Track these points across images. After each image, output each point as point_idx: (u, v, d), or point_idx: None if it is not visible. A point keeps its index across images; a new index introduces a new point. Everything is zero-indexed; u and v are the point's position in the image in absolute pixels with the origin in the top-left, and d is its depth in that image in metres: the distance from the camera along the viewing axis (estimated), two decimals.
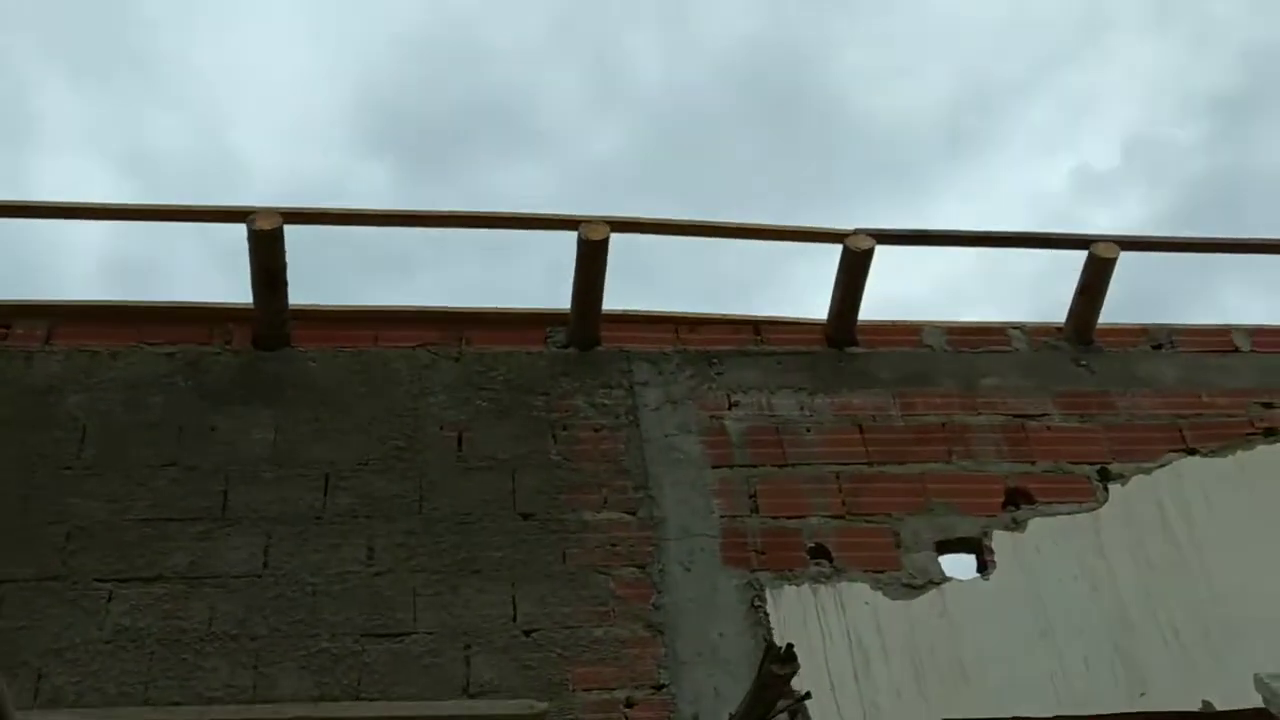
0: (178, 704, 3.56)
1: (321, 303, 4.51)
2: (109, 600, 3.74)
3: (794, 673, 3.07)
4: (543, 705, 3.09)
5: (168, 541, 3.89)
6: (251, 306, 4.37)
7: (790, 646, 2.98)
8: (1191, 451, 4.58)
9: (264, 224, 4.18)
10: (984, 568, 4.22)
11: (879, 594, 4.08)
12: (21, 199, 4.53)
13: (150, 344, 4.37)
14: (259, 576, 3.86)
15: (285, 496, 4.04)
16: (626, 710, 3.73)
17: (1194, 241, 5.03)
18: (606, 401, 4.44)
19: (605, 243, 4.40)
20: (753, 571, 4.08)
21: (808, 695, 3.35)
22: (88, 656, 3.61)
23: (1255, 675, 3.50)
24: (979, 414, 4.59)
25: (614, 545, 4.07)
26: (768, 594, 4.03)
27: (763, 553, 4.13)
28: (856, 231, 4.59)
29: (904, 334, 4.81)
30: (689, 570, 4.05)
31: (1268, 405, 4.77)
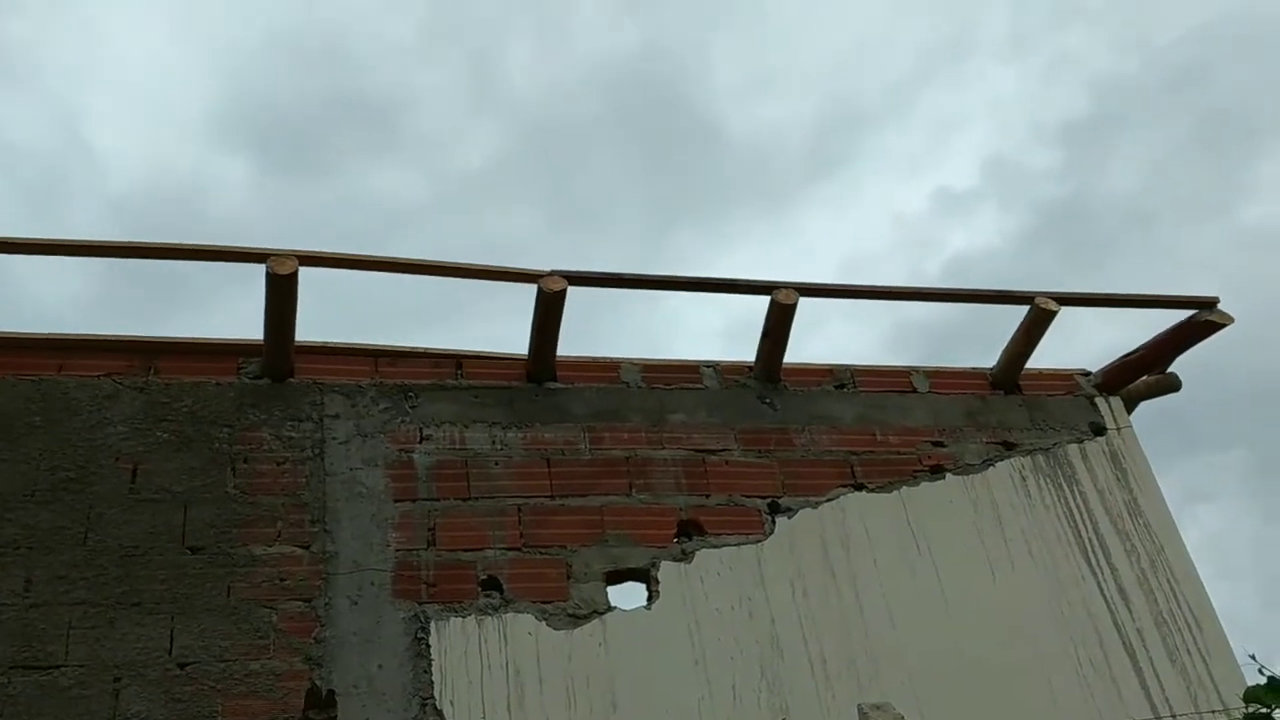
0: None
1: (5, 329, 4.47)
2: None
3: (332, 718, 3.19)
4: None
5: None
6: None
7: (332, 693, 3.11)
8: (859, 487, 4.89)
9: None
10: (651, 598, 4.43)
11: (543, 624, 4.25)
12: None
13: None
14: None
15: None
16: None
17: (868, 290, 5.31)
18: (294, 434, 4.51)
19: (294, 276, 4.46)
20: (421, 604, 4.20)
21: None
22: None
23: (858, 705, 3.76)
24: (663, 448, 4.81)
25: (282, 579, 4.14)
26: (433, 626, 4.16)
27: (434, 585, 4.26)
28: (551, 273, 4.75)
29: (602, 370, 5.00)
30: (356, 604, 4.15)
31: (937, 444, 5.11)
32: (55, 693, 3.76)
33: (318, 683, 3.04)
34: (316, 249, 4.64)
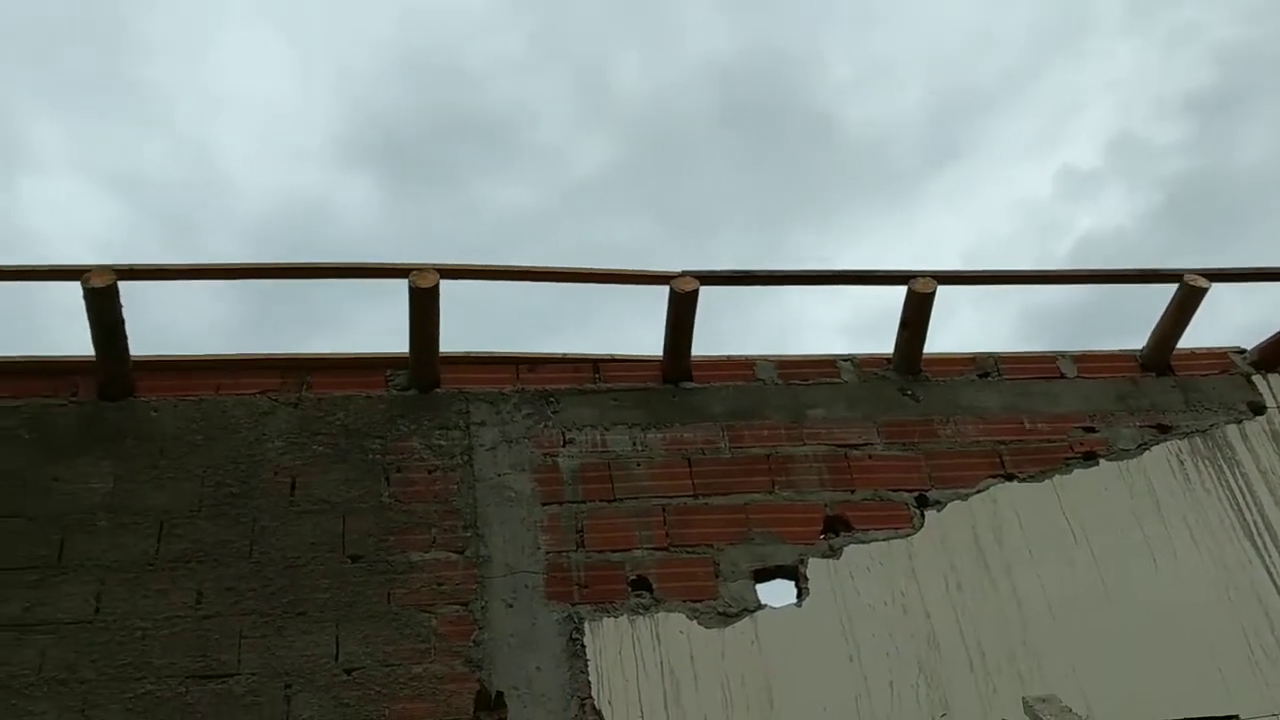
0: None
1: (164, 353, 4.66)
2: None
3: (502, 719, 3.23)
4: None
5: (4, 590, 4.03)
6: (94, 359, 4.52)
7: (500, 694, 3.15)
8: (1010, 477, 4.78)
9: (98, 281, 4.33)
10: (801, 595, 4.41)
11: (695, 623, 4.26)
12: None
13: None
14: (90, 622, 4.01)
15: (119, 544, 4.18)
16: None
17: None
18: (442, 443, 4.61)
19: (436, 289, 4.56)
20: (574, 605, 4.25)
21: None
22: None
23: (1023, 699, 3.68)
24: (804, 444, 4.78)
25: (439, 584, 4.23)
26: (586, 627, 4.20)
27: (585, 586, 4.30)
28: (683, 274, 4.77)
29: (737, 368, 5.00)
30: (511, 606, 4.22)
31: (1089, 430, 4.97)
32: (231, 700, 3.90)
33: (486, 685, 3.10)
34: (446, 262, 4.72)
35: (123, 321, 4.45)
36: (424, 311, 4.63)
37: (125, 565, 4.14)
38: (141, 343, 4.52)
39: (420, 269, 4.59)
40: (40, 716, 3.80)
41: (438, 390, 4.76)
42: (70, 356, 4.60)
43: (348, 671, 4.00)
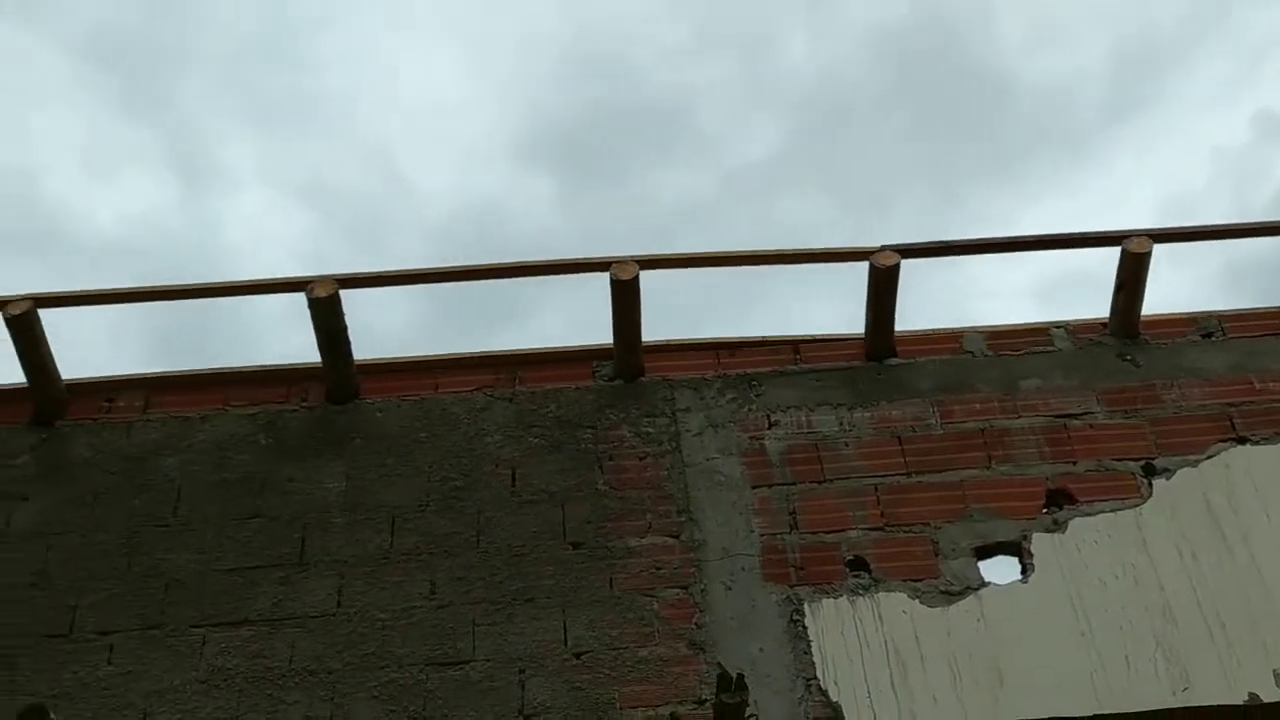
0: None
1: (385, 356, 4.88)
2: (203, 644, 4.16)
3: (744, 700, 3.24)
4: None
5: (253, 587, 4.30)
6: (320, 365, 4.76)
7: (741, 676, 3.17)
8: (1242, 440, 4.55)
9: (321, 291, 4.56)
10: (1025, 571, 4.30)
11: (916, 602, 4.21)
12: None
13: (234, 406, 4.80)
14: (333, 615, 4.23)
15: (356, 540, 4.40)
16: None
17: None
18: (650, 430, 4.68)
19: (635, 280, 4.64)
20: (792, 587, 4.25)
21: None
22: (185, 696, 4.04)
23: (1274, 671, 3.49)
24: (1019, 417, 4.66)
25: (658, 569, 4.30)
26: (806, 608, 4.20)
27: (801, 568, 4.30)
28: (882, 248, 4.71)
29: (944, 342, 4.91)
30: (730, 589, 4.25)
31: None
32: (468, 686, 4.06)
33: (727, 668, 3.15)
34: (641, 253, 4.77)
35: (345, 328, 4.68)
36: (625, 303, 4.71)
37: (362, 560, 4.35)
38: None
39: (620, 261, 4.67)
40: (294, 706, 4.03)
41: (642, 379, 4.83)
42: (299, 364, 4.86)
43: (577, 656, 4.11)
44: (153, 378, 4.85)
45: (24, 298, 4.57)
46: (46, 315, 4.65)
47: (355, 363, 4.77)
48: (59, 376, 4.71)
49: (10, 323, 4.55)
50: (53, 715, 2.92)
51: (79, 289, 4.69)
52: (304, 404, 4.81)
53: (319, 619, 4.22)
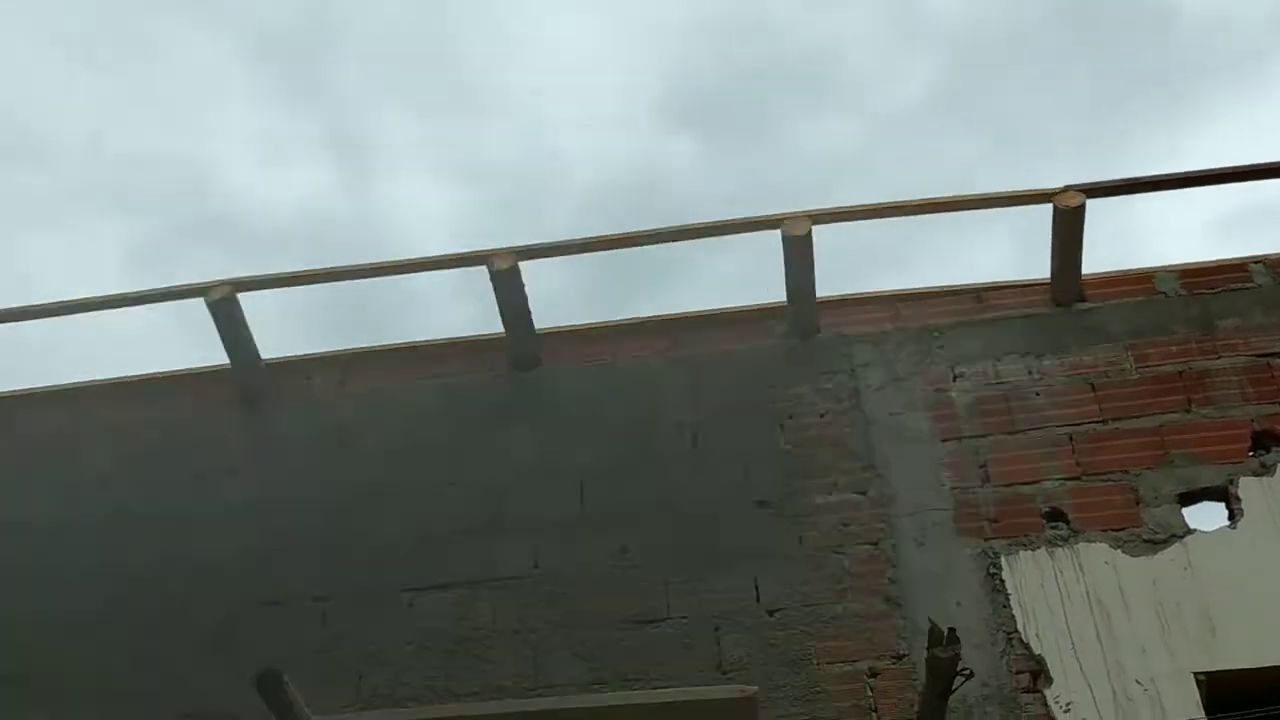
0: (475, 694, 4.12)
1: (565, 324, 4.97)
2: (410, 607, 4.34)
3: (957, 655, 3.20)
4: (752, 689, 3.38)
5: (455, 551, 4.45)
6: (504, 335, 4.89)
7: (953, 630, 3.13)
8: None
9: (502, 264, 4.67)
10: (1233, 516, 4.14)
11: (1119, 552, 4.10)
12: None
13: (426, 378, 4.97)
14: (531, 577, 4.36)
15: (548, 504, 4.52)
16: (870, 680, 3.97)
17: None
18: (830, 387, 4.66)
19: (808, 236, 4.60)
20: (986, 540, 4.19)
21: (971, 674, 3.43)
22: (397, 658, 4.22)
23: None
24: (1219, 358, 4.47)
25: (846, 525, 4.29)
26: (1003, 561, 4.14)
27: (996, 521, 4.23)
28: (1066, 189, 4.56)
29: (1134, 283, 4.73)
30: (922, 544, 4.22)
31: None
32: (666, 643, 4.13)
33: (945, 625, 3.14)
34: (814, 208, 4.72)
35: (526, 298, 4.78)
36: (799, 259, 4.68)
37: (555, 522, 4.47)
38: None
39: (792, 217, 4.64)
40: (499, 664, 4.18)
41: (819, 335, 4.81)
42: (484, 335, 5.00)
43: (770, 613, 4.14)
44: (348, 354, 5.06)
45: (223, 283, 4.80)
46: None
47: (538, 331, 4.87)
48: (260, 356, 4.94)
49: (212, 307, 4.79)
50: (286, 679, 3.09)
51: (274, 272, 4.89)
52: (490, 373, 4.94)
53: (517, 581, 4.35)
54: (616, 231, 4.95)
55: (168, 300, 4.91)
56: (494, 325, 4.88)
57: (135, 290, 4.97)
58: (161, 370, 5.14)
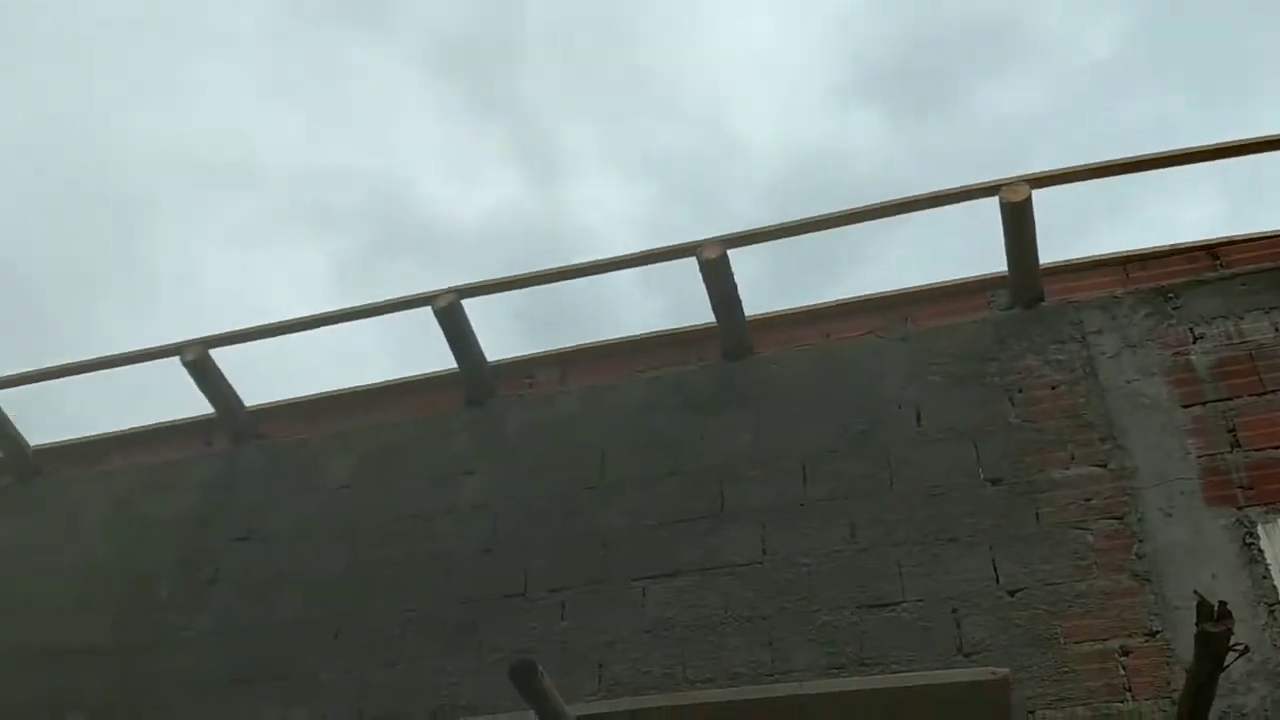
0: (711, 680, 4.16)
1: (774, 310, 4.95)
2: (644, 596, 4.41)
3: (1229, 630, 3.02)
4: (1004, 670, 3.28)
5: (681, 540, 4.51)
6: (716, 325, 4.91)
7: (1224, 604, 2.96)
8: None
9: (711, 254, 4.69)
10: None
11: None
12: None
13: (641, 371, 5.05)
14: (760, 563, 4.37)
15: (771, 488, 4.52)
16: (1122, 659, 3.81)
17: None
18: (1060, 357, 4.49)
19: (1028, 202, 4.44)
20: (1240, 509, 3.96)
21: (1246, 650, 3.22)
22: (634, 646, 4.30)
23: None
24: None
25: (1087, 500, 4.13)
26: (1260, 530, 3.90)
27: (1249, 488, 3.99)
28: None
29: None
30: (1170, 515, 4.02)
31: None
32: (902, 626, 4.07)
33: (1209, 598, 2.99)
34: (1034, 172, 4.56)
35: (735, 287, 4.79)
36: (1019, 226, 4.53)
37: (780, 508, 4.46)
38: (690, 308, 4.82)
39: (1010, 184, 4.49)
40: (733, 651, 4.20)
41: (1043, 304, 4.64)
42: (695, 325, 5.04)
43: (1010, 593, 4.03)
44: (566, 353, 5.18)
45: (448, 291, 4.98)
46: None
47: (747, 319, 4.87)
48: (485, 359, 5.11)
49: (439, 314, 4.97)
50: (541, 669, 3.19)
51: (494, 277, 5.05)
52: (703, 363, 4.98)
53: (746, 567, 4.37)
54: (808, 215, 4.89)
55: (396, 311, 5.14)
56: (688, 317, 4.97)
57: (365, 303, 5.22)
58: (390, 379, 5.39)
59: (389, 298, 5.16)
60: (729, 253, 4.79)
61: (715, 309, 4.84)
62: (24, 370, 5.61)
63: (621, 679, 4.24)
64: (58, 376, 5.63)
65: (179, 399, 5.71)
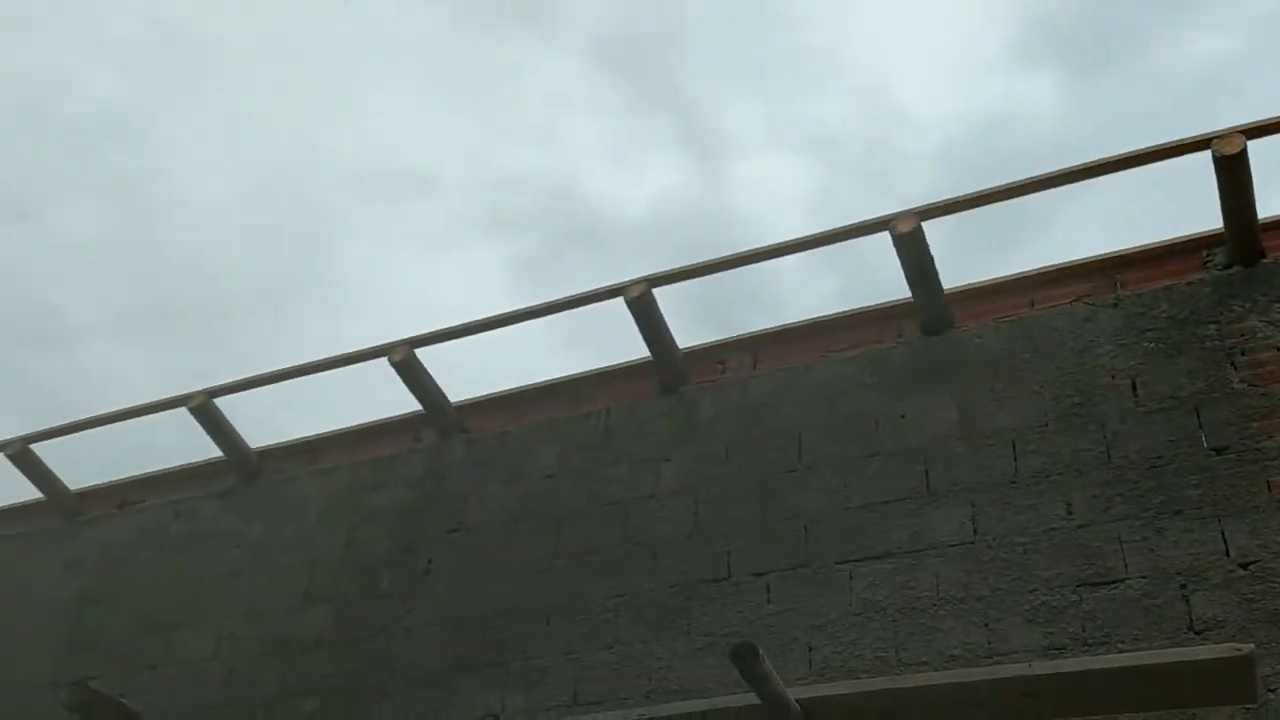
0: (925, 663, 4.09)
1: (973, 281, 4.82)
2: (850, 579, 4.37)
3: None
4: (1248, 646, 3.10)
5: (886, 522, 4.44)
6: (912, 299, 4.81)
7: None
8: None
9: (904, 228, 4.60)
10: None
11: None
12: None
13: (835, 351, 4.99)
14: (971, 543, 4.27)
15: (980, 466, 4.40)
16: None
17: None
18: None
19: (1244, 154, 4.20)
20: None
21: None
22: (843, 629, 4.27)
23: None
24: None
25: None
26: None
27: None
28: None
29: None
30: None
31: None
32: (1126, 604, 3.91)
33: None
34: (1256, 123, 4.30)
35: (932, 260, 4.68)
36: (1234, 181, 4.29)
37: (989, 485, 4.34)
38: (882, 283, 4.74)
39: (1223, 135, 4.25)
40: (948, 632, 4.12)
41: (1264, 261, 4.38)
42: (890, 302, 4.95)
43: (1243, 566, 3.82)
44: (756, 336, 5.17)
45: (638, 281, 5.04)
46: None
47: (945, 291, 4.76)
48: (677, 346, 5.15)
49: (631, 305, 5.03)
50: (761, 651, 3.19)
51: (683, 265, 5.08)
52: (900, 340, 4.89)
53: (958, 547, 4.27)
54: (995, 184, 4.73)
55: (590, 303, 5.22)
56: (864, 297, 4.90)
57: (559, 298, 5.32)
58: (585, 370, 5.48)
59: (580, 291, 5.24)
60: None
61: (911, 283, 4.74)
62: (243, 377, 5.93)
63: (832, 662, 4.21)
64: (272, 382, 5.93)
65: (383, 398, 5.97)
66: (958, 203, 4.78)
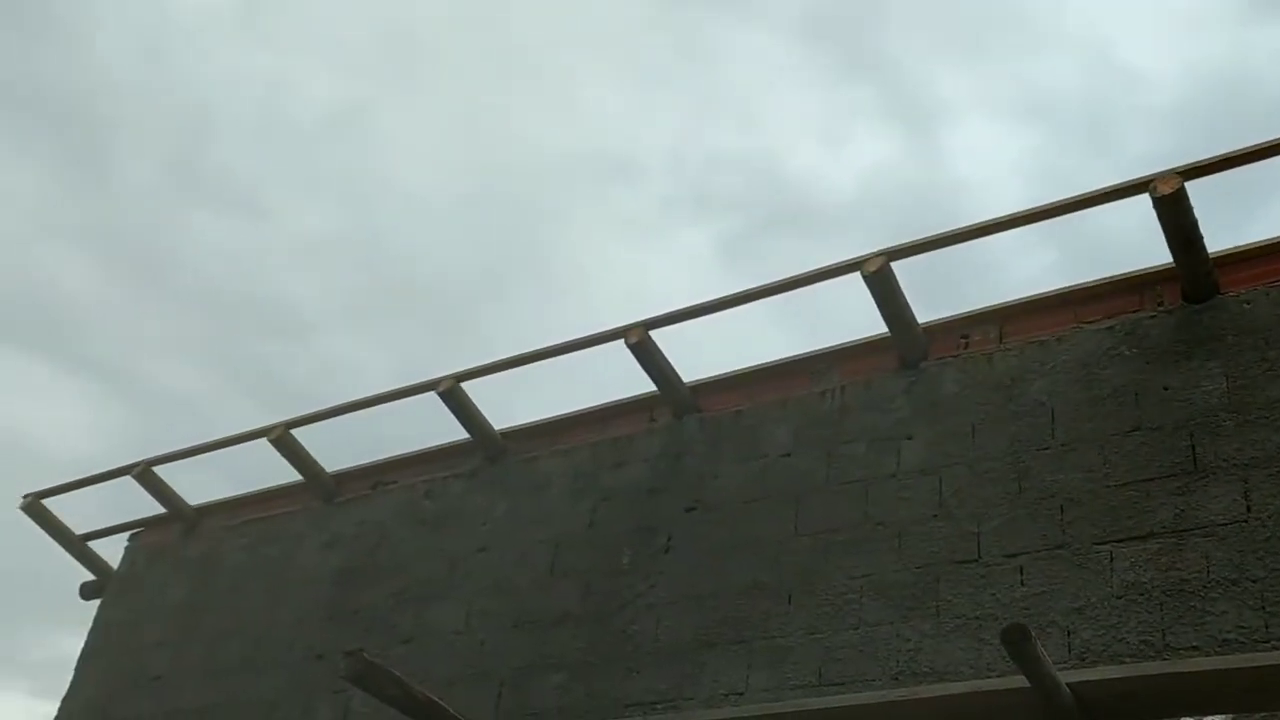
0: (1195, 648, 3.85)
1: (1240, 244, 4.50)
2: (1111, 560, 4.16)
3: None
4: None
5: (1150, 500, 4.20)
6: (1172, 265, 4.52)
7: None
8: None
9: (1165, 189, 4.32)
10: None
11: None
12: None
13: (1088, 322, 4.75)
14: (1244, 521, 3.99)
15: (1252, 440, 4.11)
16: None
17: None
18: None
19: None
20: None
21: None
22: (1104, 612, 4.06)
23: None
24: None
25: None
26: None
27: None
28: None
29: None
30: None
31: None
32: None
33: None
34: None
35: (1196, 222, 4.39)
36: None
37: (1264, 461, 4.05)
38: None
39: None
40: (1221, 616, 3.86)
41: None
42: (1146, 269, 4.68)
43: None
44: (1001, 309, 4.98)
45: (877, 254, 4.93)
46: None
47: (1210, 256, 4.45)
48: (916, 321, 5.01)
49: (869, 279, 4.93)
50: (1032, 632, 3.07)
51: (919, 238, 4.94)
52: (1160, 308, 4.61)
53: (1229, 526, 4.01)
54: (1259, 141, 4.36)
55: (819, 281, 5.14)
56: (1084, 270, 4.60)
57: (785, 278, 5.27)
58: (822, 347, 5.41)
59: (808, 270, 5.17)
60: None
61: (1172, 248, 4.46)
62: (490, 361, 6.13)
63: (1093, 646, 4.02)
64: (514, 366, 6.10)
65: (615, 379, 6.04)
66: (1226, 159, 4.46)
